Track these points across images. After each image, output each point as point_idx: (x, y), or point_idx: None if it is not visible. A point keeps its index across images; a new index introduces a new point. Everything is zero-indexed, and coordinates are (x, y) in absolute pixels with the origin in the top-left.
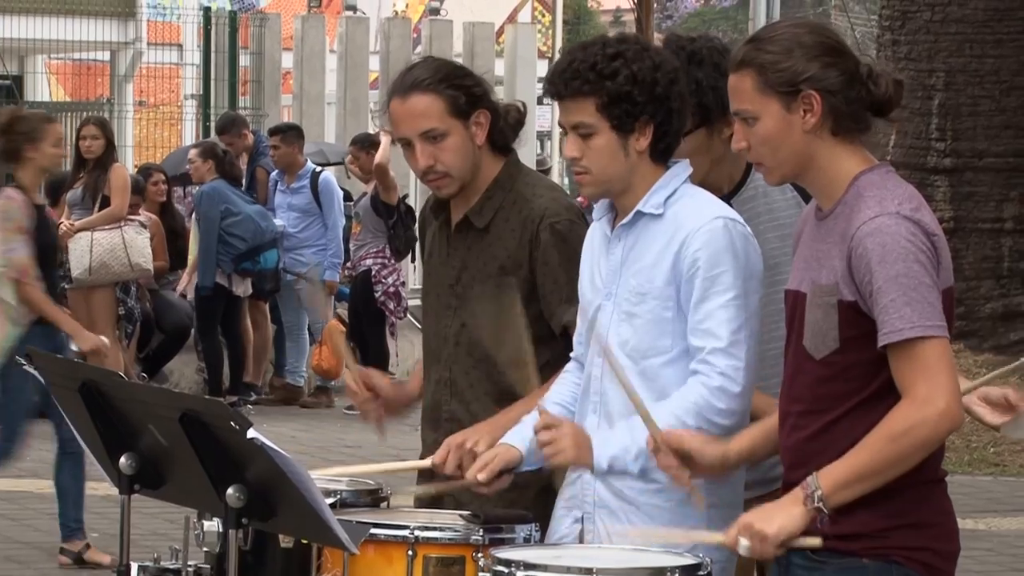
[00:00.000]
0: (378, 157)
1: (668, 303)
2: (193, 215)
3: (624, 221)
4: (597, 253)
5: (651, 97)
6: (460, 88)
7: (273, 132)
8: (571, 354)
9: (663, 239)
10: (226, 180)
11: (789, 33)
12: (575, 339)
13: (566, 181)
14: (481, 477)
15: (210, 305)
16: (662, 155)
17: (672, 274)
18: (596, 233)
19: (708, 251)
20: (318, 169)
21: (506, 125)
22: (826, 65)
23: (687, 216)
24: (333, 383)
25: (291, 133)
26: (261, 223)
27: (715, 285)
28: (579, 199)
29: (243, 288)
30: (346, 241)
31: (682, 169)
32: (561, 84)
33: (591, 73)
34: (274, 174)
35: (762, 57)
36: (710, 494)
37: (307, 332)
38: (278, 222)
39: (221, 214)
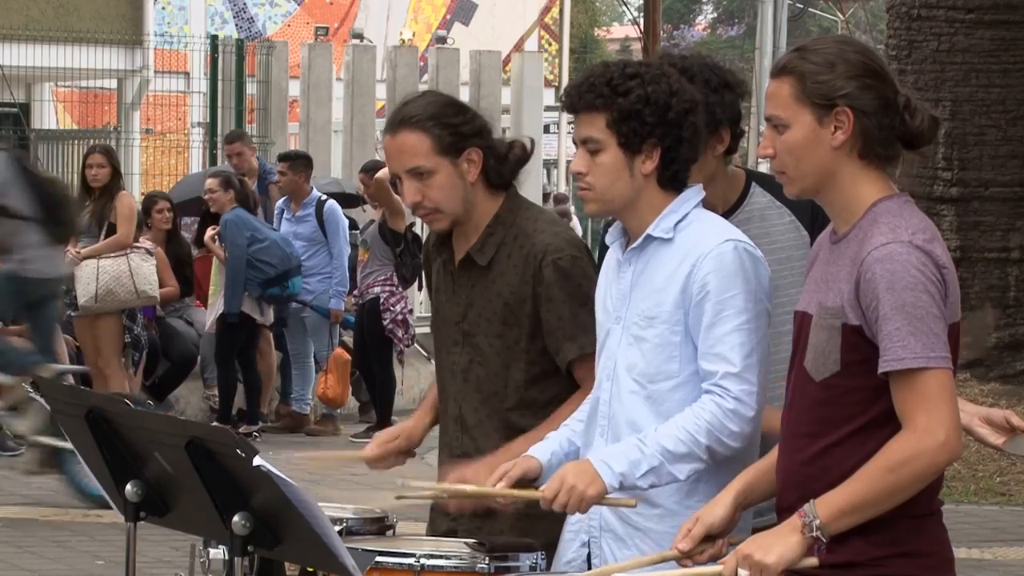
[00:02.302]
0: (380, 172)
1: (676, 327)
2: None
3: (634, 245)
4: (610, 278)
5: (661, 120)
6: (448, 127)
7: (282, 158)
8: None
9: (673, 263)
10: (244, 208)
11: (835, 48)
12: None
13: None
14: (499, 486)
15: (233, 334)
16: (670, 182)
17: (681, 298)
18: (611, 258)
19: (719, 275)
20: (323, 197)
21: (504, 162)
22: (864, 86)
23: (697, 239)
24: (338, 411)
25: (299, 161)
26: (286, 249)
27: (726, 309)
28: None
29: (267, 317)
30: (352, 270)
31: (694, 193)
32: (576, 96)
33: (606, 88)
34: (280, 202)
35: (804, 66)
36: (707, 500)
37: (313, 360)
38: None
39: (247, 240)
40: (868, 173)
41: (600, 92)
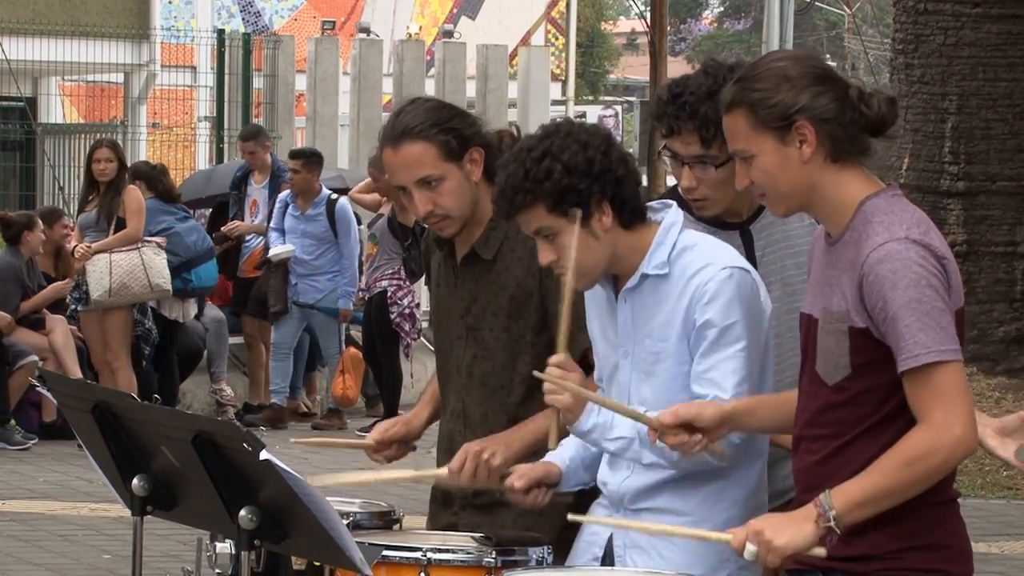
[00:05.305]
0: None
1: (683, 358)
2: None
3: (629, 285)
4: (603, 312)
5: (592, 178)
6: (450, 131)
7: (294, 156)
8: (595, 380)
9: (673, 296)
10: (160, 199)
11: (774, 68)
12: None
13: None
14: (518, 484)
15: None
16: (632, 219)
17: (684, 329)
18: (599, 291)
19: (717, 303)
20: (334, 196)
21: (501, 156)
22: (816, 94)
23: (695, 270)
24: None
25: (312, 159)
26: (187, 239)
27: (725, 336)
28: None
29: (178, 311)
30: (358, 265)
31: (673, 217)
32: (506, 203)
33: (527, 183)
34: (285, 196)
35: (751, 96)
36: (734, 506)
37: (292, 353)
38: (290, 247)
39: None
40: (847, 173)
41: (524, 188)
